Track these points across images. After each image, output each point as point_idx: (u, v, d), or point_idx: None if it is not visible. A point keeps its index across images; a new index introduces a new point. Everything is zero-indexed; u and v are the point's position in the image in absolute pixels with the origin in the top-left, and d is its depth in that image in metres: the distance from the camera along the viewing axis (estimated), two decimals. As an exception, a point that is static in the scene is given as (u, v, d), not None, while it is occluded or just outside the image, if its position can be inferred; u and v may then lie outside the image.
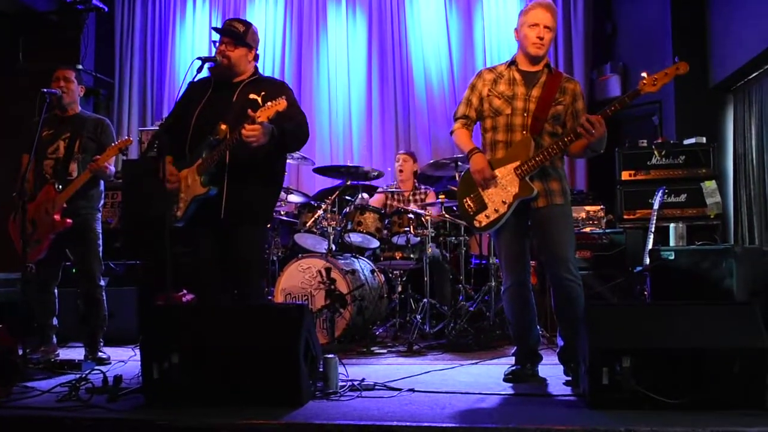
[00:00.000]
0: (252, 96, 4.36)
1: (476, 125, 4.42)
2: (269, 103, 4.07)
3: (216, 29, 4.53)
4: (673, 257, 5.26)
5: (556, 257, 4.06)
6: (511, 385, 4.07)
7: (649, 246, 5.73)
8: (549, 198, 4.10)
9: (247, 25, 4.47)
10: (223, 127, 4.26)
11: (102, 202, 5.45)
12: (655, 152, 6.85)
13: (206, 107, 4.40)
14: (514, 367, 4.25)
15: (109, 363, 5.09)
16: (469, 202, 4.26)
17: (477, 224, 4.20)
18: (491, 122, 4.24)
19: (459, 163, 6.42)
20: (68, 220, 5.12)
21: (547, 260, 4.18)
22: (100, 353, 5.22)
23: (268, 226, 5.21)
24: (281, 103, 4.08)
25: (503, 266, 4.27)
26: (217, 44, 4.46)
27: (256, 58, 4.56)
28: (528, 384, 4.08)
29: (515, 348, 4.38)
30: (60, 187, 5.14)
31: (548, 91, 4.12)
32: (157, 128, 4.76)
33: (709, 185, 6.68)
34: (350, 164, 6.71)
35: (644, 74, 3.79)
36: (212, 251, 4.43)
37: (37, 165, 5.12)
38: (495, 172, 4.11)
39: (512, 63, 4.28)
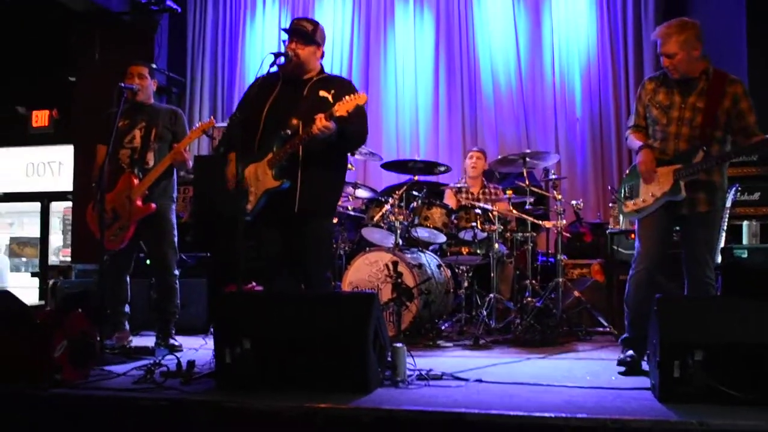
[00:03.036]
0: (322, 93, 4.44)
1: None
2: (348, 97, 4.15)
3: (285, 29, 4.59)
4: (746, 255, 5.16)
5: (694, 261, 4.29)
6: (580, 376, 4.05)
7: (721, 244, 5.61)
8: (693, 207, 4.25)
9: (315, 23, 4.56)
10: (295, 121, 4.35)
11: (175, 194, 5.56)
12: (728, 150, 6.70)
13: (276, 103, 4.48)
14: (628, 356, 4.25)
15: (181, 350, 5.19)
16: (627, 187, 4.53)
17: (625, 208, 4.50)
18: (652, 131, 4.43)
19: (527, 159, 6.40)
20: (152, 205, 5.24)
21: (686, 261, 4.35)
22: (172, 341, 5.33)
23: (335, 220, 5.23)
24: (361, 97, 4.17)
25: (638, 251, 4.38)
26: (286, 42, 4.51)
27: (322, 55, 4.63)
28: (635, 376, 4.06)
29: (625, 335, 4.43)
30: (141, 174, 5.26)
31: (711, 97, 4.21)
32: (227, 123, 4.84)
33: (785, 183, 6.49)
34: (417, 158, 6.71)
35: None
36: (279, 245, 4.51)
37: (112, 155, 5.17)
38: (657, 169, 4.26)
39: None
